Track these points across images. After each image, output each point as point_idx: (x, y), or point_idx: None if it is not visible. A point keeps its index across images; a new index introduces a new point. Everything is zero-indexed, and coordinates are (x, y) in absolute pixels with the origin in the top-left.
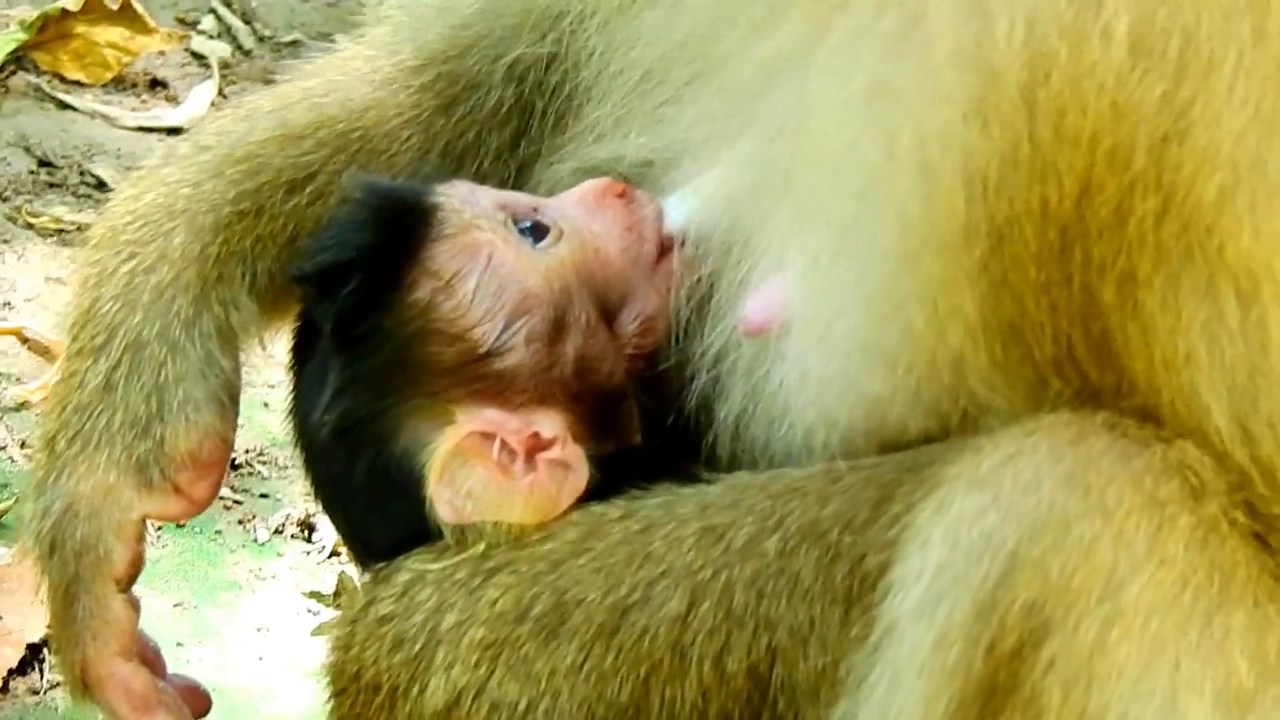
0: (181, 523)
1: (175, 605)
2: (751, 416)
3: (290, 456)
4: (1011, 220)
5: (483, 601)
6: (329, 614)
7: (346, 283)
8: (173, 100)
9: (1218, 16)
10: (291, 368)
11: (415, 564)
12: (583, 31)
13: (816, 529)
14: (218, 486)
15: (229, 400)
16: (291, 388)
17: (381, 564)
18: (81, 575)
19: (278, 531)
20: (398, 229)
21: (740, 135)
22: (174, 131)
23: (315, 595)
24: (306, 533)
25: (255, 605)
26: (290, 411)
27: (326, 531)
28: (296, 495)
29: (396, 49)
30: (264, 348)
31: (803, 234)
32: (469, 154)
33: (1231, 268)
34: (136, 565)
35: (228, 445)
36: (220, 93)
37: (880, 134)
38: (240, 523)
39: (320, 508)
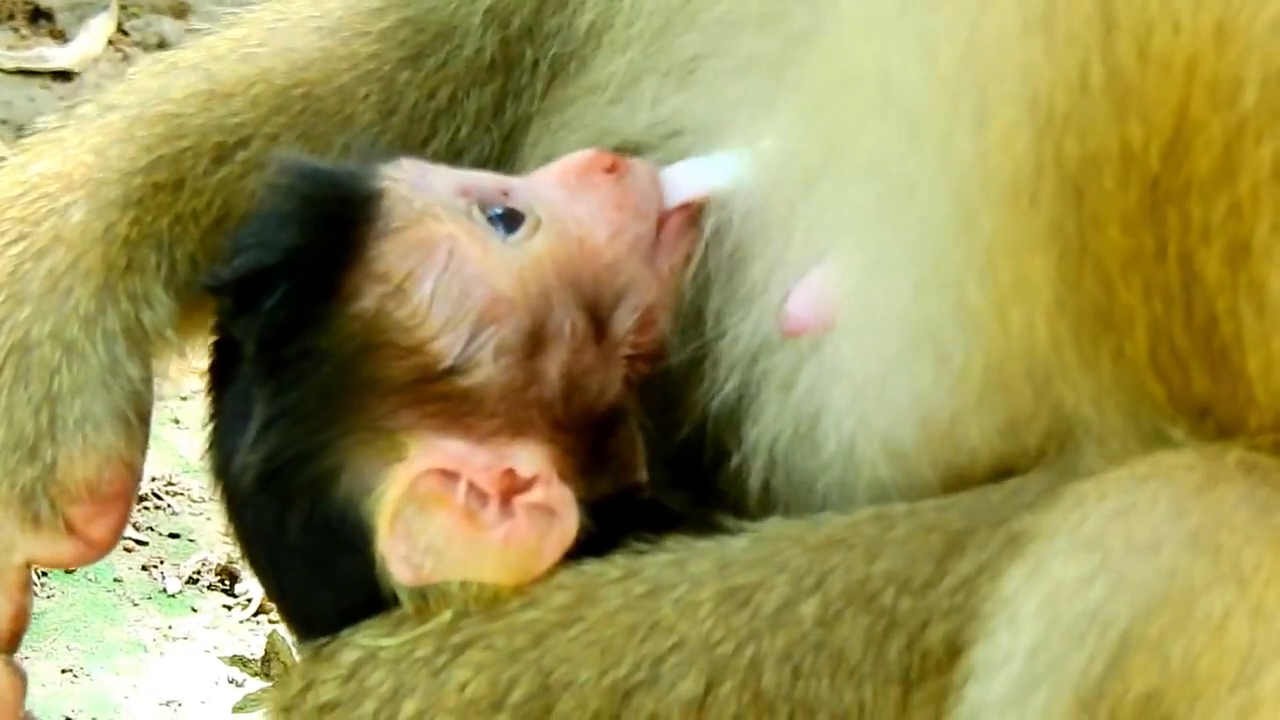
0: (72, 569)
1: (63, 672)
2: (788, 436)
3: (207, 487)
4: (1086, 166)
5: (449, 686)
6: (255, 685)
7: (271, 293)
8: (59, 37)
9: None
10: (209, 396)
11: (366, 639)
12: None
13: (865, 590)
14: (121, 525)
15: (137, 418)
16: (209, 423)
17: (325, 639)
18: None
19: (192, 581)
20: (333, 224)
21: (780, 81)
22: (61, 75)
23: (238, 661)
24: (227, 582)
25: (164, 673)
26: (208, 451)
27: (252, 581)
28: (214, 536)
29: None
30: (182, 355)
31: (848, 195)
32: (442, 117)
33: None
34: (20, 622)
35: (134, 473)
36: (119, 28)
37: (921, 49)
38: (145, 569)
39: (246, 562)
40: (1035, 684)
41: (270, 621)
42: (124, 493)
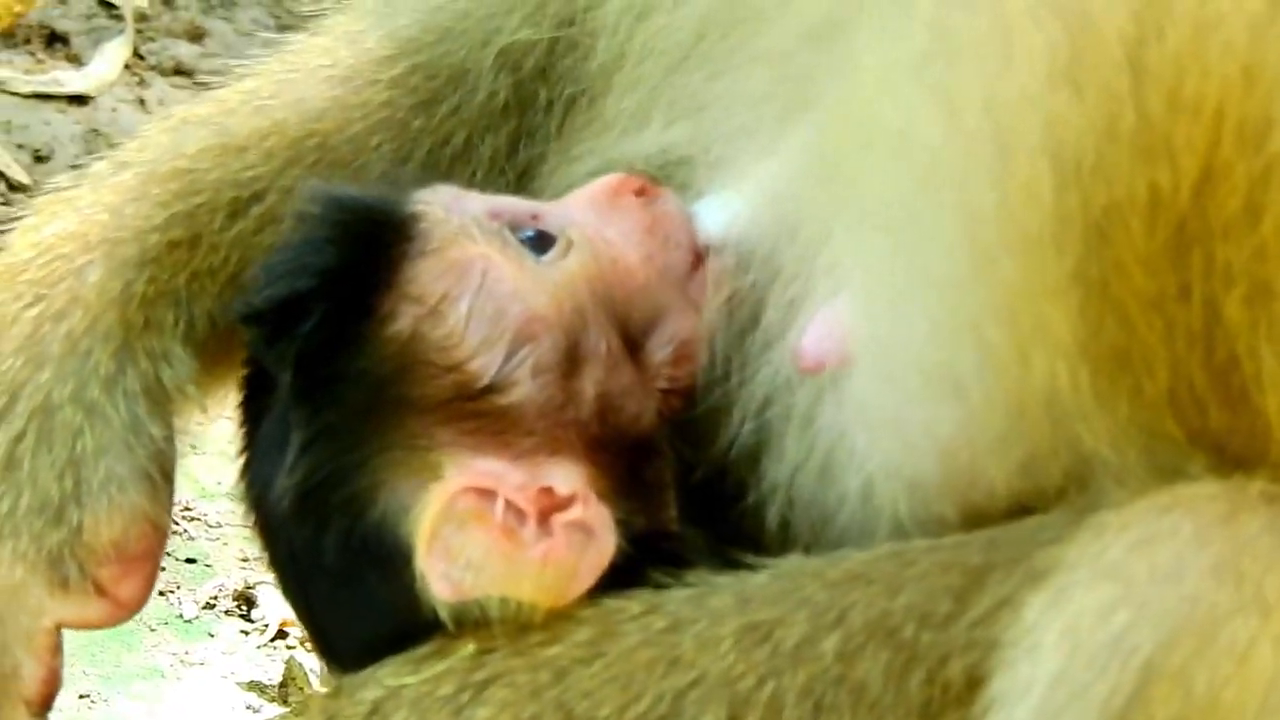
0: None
1: (80, 697)
2: (808, 474)
3: (224, 512)
4: (1112, 212)
5: None
6: (273, 711)
7: (307, 317)
8: (75, 60)
9: None
10: (241, 429)
11: (388, 677)
12: (597, 3)
13: (886, 625)
14: (150, 585)
15: (161, 477)
16: (242, 452)
17: (348, 675)
18: None
19: (209, 606)
20: (367, 247)
21: (791, 119)
22: (77, 99)
23: (255, 687)
24: (245, 607)
25: (180, 699)
26: (243, 482)
27: (270, 606)
28: (231, 561)
29: (360, 38)
30: (203, 410)
31: (863, 239)
32: (458, 161)
33: None
34: (52, 684)
35: (161, 532)
36: (135, 52)
37: (941, 104)
38: (162, 594)
39: (281, 592)
40: (1057, 715)
41: (287, 648)
42: (151, 552)
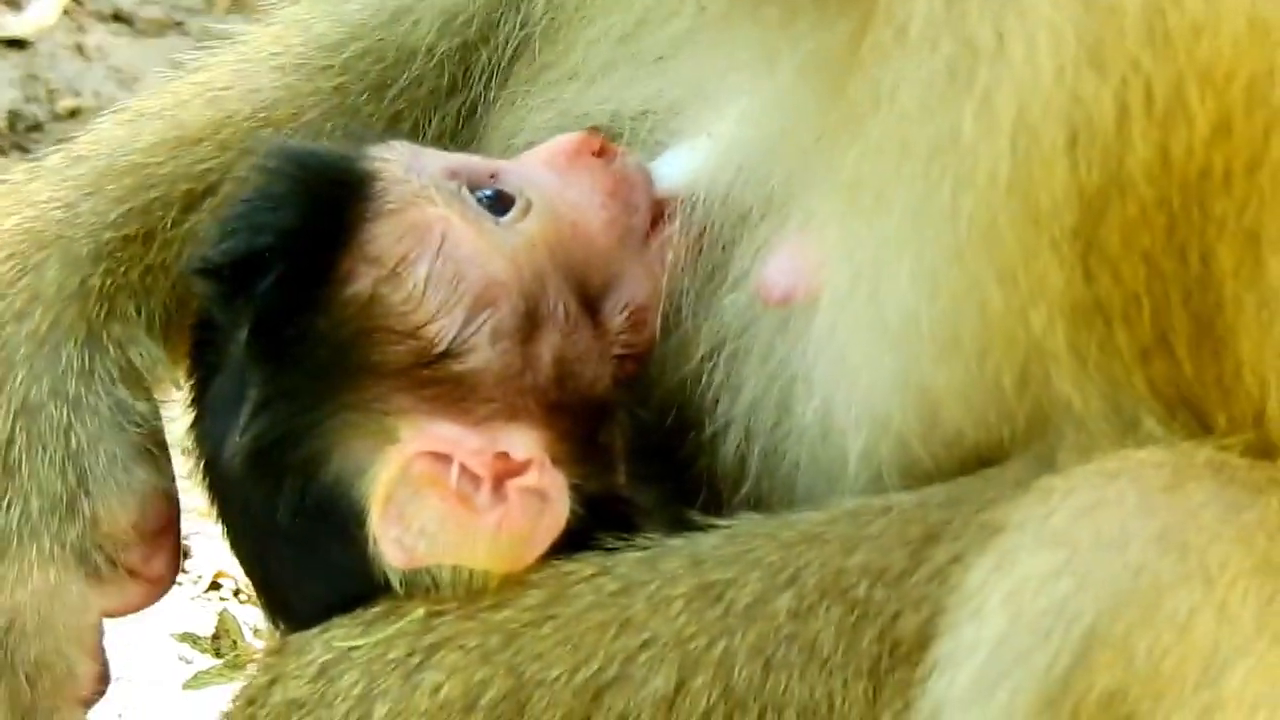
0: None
1: None
2: (770, 411)
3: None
4: (1119, 179)
5: (422, 688)
6: (206, 662)
7: (265, 276)
8: (13, 4)
9: None
10: (193, 382)
11: (337, 639)
12: None
13: (839, 584)
14: (177, 555)
15: (158, 449)
16: (194, 405)
17: (293, 633)
18: (41, 704)
19: None
20: (327, 206)
21: (765, 67)
22: (15, 44)
23: (189, 638)
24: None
25: (113, 649)
26: (194, 436)
27: (204, 557)
28: None
29: (310, 24)
30: (178, 386)
31: (848, 190)
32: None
33: None
34: (105, 680)
35: (174, 502)
36: None
37: (970, 94)
38: None
39: (230, 548)
40: (999, 679)
41: (220, 599)
42: (170, 523)
